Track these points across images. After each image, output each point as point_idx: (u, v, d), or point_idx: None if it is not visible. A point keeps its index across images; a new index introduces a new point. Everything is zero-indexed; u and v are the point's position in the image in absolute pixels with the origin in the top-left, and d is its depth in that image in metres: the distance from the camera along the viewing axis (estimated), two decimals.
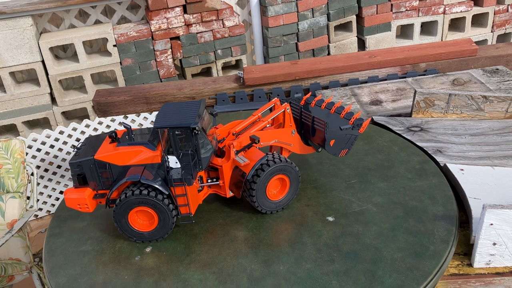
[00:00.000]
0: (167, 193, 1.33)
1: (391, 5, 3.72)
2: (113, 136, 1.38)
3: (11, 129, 3.24)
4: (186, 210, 1.37)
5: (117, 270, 1.32)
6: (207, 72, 3.59)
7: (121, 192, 1.34)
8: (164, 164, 1.33)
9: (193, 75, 3.51)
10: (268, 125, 1.53)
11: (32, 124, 3.30)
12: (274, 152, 1.48)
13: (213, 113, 1.54)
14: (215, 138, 1.46)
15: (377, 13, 3.71)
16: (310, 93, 1.78)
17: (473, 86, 2.33)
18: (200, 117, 1.33)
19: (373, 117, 2.07)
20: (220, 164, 1.43)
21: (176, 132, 1.31)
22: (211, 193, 1.52)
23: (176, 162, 1.33)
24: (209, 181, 1.47)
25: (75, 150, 1.41)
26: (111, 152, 1.34)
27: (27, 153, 2.75)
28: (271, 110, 1.60)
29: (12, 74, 3.06)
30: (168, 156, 1.33)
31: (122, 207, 1.33)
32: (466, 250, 1.43)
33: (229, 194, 1.48)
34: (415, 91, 2.04)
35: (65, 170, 2.97)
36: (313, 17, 3.52)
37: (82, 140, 2.85)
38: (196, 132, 1.29)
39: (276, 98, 1.56)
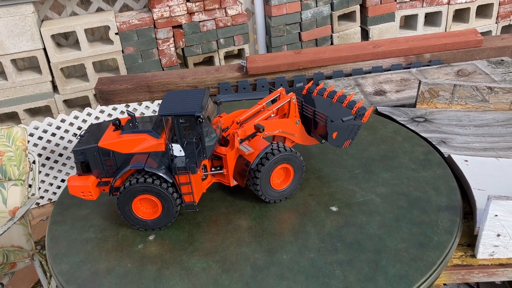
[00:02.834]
0: (171, 181, 1.32)
1: None
2: (116, 124, 1.37)
3: (12, 117, 3.23)
4: (190, 198, 1.37)
5: (120, 258, 1.32)
6: (209, 61, 3.57)
7: (125, 180, 1.33)
8: (168, 152, 1.33)
9: (195, 64, 3.49)
10: (272, 115, 1.52)
11: (34, 112, 3.29)
12: (278, 141, 1.47)
13: (217, 102, 1.53)
14: (219, 127, 1.45)
15: (381, 3, 3.67)
16: (312, 82, 1.76)
17: (478, 77, 2.31)
18: (205, 106, 1.32)
19: (377, 107, 2.05)
20: (224, 153, 1.42)
21: (181, 120, 1.30)
22: (214, 182, 1.51)
23: (180, 151, 1.32)
24: (212, 169, 1.46)
25: (78, 137, 1.40)
26: (115, 139, 1.33)
27: (28, 141, 2.74)
28: (272, 102, 1.58)
29: (14, 61, 3.04)
30: (172, 144, 1.32)
31: (126, 194, 1.32)
32: (469, 241, 1.43)
33: (233, 183, 1.48)
34: (420, 82, 2.02)
35: (66, 159, 2.96)
36: (316, 6, 3.49)
37: (84, 128, 2.84)
38: (201, 120, 1.28)
39: (281, 88, 1.55)
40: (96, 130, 1.41)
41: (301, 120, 1.55)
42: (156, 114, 2.98)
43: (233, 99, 2.56)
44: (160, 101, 2.89)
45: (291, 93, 1.51)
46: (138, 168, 1.31)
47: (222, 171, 1.46)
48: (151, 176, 1.31)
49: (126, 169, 1.31)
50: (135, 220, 1.38)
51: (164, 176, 1.31)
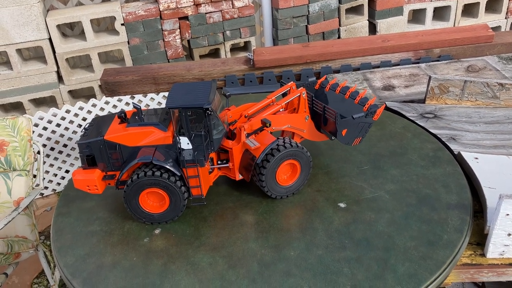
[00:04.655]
0: (179, 174, 1.31)
1: None
2: (122, 117, 1.35)
3: (17, 107, 3.22)
4: (198, 191, 1.35)
5: (126, 251, 1.31)
6: (215, 53, 3.55)
7: (133, 173, 1.32)
8: (176, 145, 1.31)
9: (201, 56, 3.47)
10: (281, 109, 1.50)
11: (39, 102, 3.28)
12: (285, 137, 1.44)
13: (226, 94, 1.51)
14: (226, 120, 1.43)
15: None
16: (325, 77, 1.73)
17: (488, 73, 2.28)
18: (213, 98, 1.30)
19: (386, 102, 2.03)
20: (230, 146, 1.41)
21: (188, 113, 1.28)
22: (220, 176, 1.49)
23: (188, 143, 1.31)
24: (219, 163, 1.44)
25: (83, 130, 1.38)
26: (121, 132, 1.31)
27: (33, 132, 2.73)
28: (283, 96, 1.56)
29: (19, 51, 3.03)
30: (180, 137, 1.31)
31: (134, 188, 1.31)
32: (479, 240, 1.41)
33: (239, 177, 1.46)
34: (430, 77, 1.99)
35: (71, 149, 2.95)
36: None
37: (88, 120, 2.83)
38: (209, 112, 1.26)
39: (292, 82, 1.52)
40: (101, 123, 1.39)
41: (311, 116, 1.53)
42: (161, 106, 2.96)
43: (240, 92, 2.53)
44: (166, 93, 2.87)
45: (301, 88, 1.49)
46: (145, 161, 1.30)
47: (228, 164, 1.44)
48: (159, 170, 1.30)
49: (134, 162, 1.30)
50: (142, 214, 1.37)
51: (172, 169, 1.30)
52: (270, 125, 1.40)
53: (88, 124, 1.40)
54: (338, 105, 1.52)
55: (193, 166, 1.31)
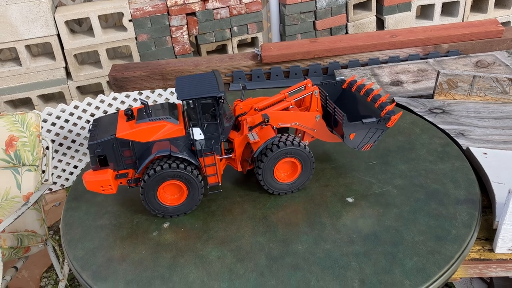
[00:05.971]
0: (197, 164, 1.33)
1: None
2: (129, 114, 1.35)
3: (26, 103, 3.24)
4: (215, 179, 1.38)
5: (135, 245, 1.32)
6: (222, 49, 3.55)
7: (148, 168, 1.32)
8: (189, 136, 1.32)
9: (208, 52, 3.47)
10: (291, 106, 1.49)
11: (47, 98, 3.30)
12: (285, 134, 1.43)
13: (242, 87, 1.52)
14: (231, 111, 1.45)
15: None
16: (354, 76, 1.71)
17: (497, 68, 2.26)
18: (222, 87, 1.32)
19: (394, 98, 2.02)
20: (233, 137, 1.41)
21: (202, 103, 1.29)
22: (228, 172, 1.51)
23: (200, 134, 1.32)
24: (225, 151, 1.46)
25: (89, 132, 1.38)
26: (133, 129, 1.31)
27: (42, 127, 2.74)
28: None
29: (28, 47, 3.05)
30: (193, 128, 1.32)
31: (154, 179, 1.31)
32: (487, 235, 1.40)
33: (240, 168, 1.47)
34: (438, 72, 1.98)
35: (79, 145, 2.97)
36: None
37: (97, 116, 2.84)
38: (222, 101, 1.27)
39: (308, 79, 1.51)
40: (105, 123, 1.38)
41: (324, 116, 1.51)
42: (164, 101, 2.97)
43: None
44: (173, 89, 2.88)
45: (314, 86, 1.48)
46: (163, 155, 1.30)
47: (231, 155, 1.45)
48: (183, 162, 1.31)
49: (152, 156, 1.30)
50: (156, 206, 1.37)
51: (192, 161, 1.32)
52: (268, 121, 1.39)
53: (91, 126, 1.39)
54: (359, 107, 1.50)
55: (210, 154, 1.33)
